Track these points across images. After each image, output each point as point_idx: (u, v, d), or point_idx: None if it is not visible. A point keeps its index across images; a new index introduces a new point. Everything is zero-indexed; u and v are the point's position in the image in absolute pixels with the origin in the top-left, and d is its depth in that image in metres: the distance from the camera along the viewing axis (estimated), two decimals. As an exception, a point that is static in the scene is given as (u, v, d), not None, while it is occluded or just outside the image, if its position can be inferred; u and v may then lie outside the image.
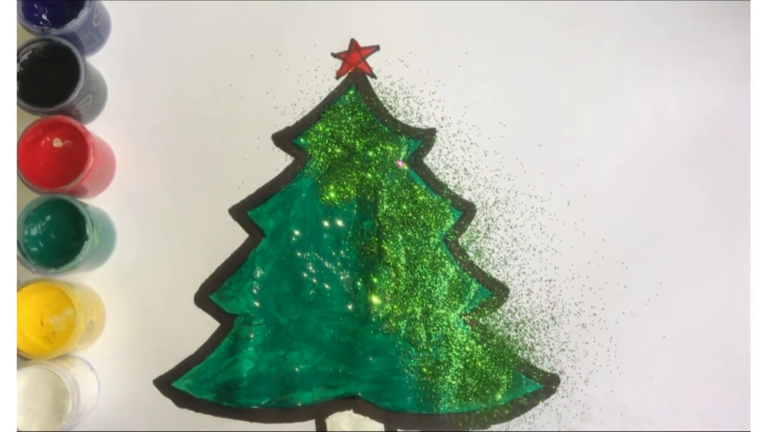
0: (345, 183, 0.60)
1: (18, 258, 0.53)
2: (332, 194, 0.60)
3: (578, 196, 0.61)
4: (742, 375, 0.60)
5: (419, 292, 0.59)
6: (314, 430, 0.58)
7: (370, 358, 0.58)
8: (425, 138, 0.61)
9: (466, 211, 0.61)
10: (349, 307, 0.59)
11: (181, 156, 0.60)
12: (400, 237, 0.60)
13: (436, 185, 0.61)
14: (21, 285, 0.54)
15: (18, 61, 0.54)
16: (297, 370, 0.59)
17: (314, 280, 0.59)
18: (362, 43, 0.62)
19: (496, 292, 0.60)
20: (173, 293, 0.59)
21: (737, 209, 0.62)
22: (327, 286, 0.59)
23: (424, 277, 0.59)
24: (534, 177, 0.61)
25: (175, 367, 0.58)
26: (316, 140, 0.61)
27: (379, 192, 0.60)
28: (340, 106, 0.61)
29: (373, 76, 0.62)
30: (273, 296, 0.59)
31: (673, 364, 0.60)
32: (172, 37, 0.61)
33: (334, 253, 0.60)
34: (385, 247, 0.59)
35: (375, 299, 0.59)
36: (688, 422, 0.60)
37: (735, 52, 0.63)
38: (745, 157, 0.62)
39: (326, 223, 0.60)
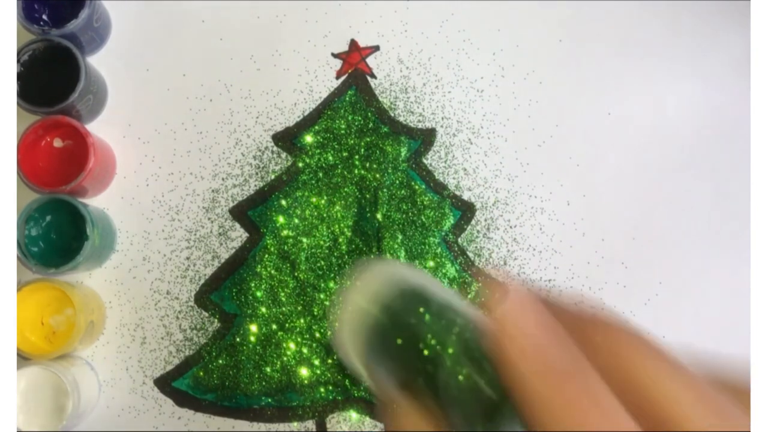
0: (345, 183, 0.60)
1: (18, 258, 0.53)
2: (332, 194, 0.60)
3: (578, 196, 0.61)
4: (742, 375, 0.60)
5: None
6: (314, 430, 0.59)
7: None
8: (425, 138, 0.61)
9: (465, 211, 0.61)
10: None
11: (180, 156, 0.60)
12: (400, 237, 0.60)
13: (436, 185, 0.61)
14: (21, 285, 0.54)
15: (18, 61, 0.54)
16: (297, 369, 0.59)
17: (313, 280, 0.59)
18: (362, 43, 0.62)
19: (496, 292, 0.60)
20: (173, 293, 0.59)
21: (737, 209, 0.62)
22: (326, 286, 0.59)
23: (424, 277, 0.59)
24: (534, 177, 0.61)
25: (175, 367, 0.59)
26: (316, 140, 0.61)
27: (379, 192, 0.60)
28: (340, 106, 0.61)
29: (373, 76, 0.62)
30: (272, 296, 0.59)
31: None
32: (172, 38, 0.61)
33: (333, 253, 0.60)
34: (385, 247, 0.59)
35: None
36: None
37: (735, 52, 0.63)
38: (746, 157, 0.62)
39: (326, 224, 0.60)
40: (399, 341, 0.22)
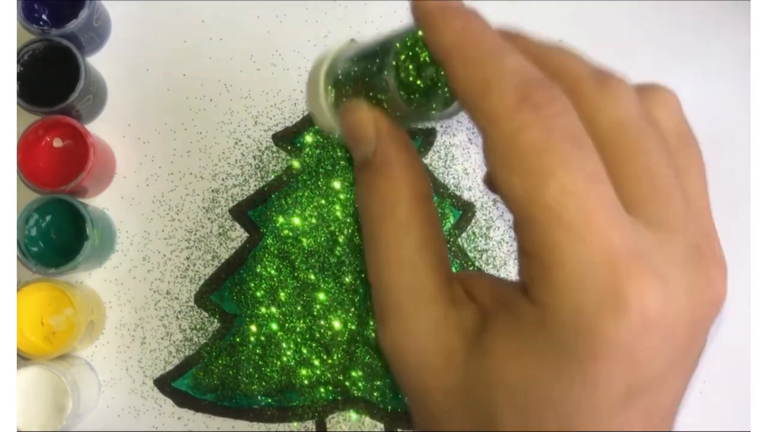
0: (345, 183, 0.60)
1: (18, 258, 0.53)
2: (332, 194, 0.60)
3: (578, 196, 0.61)
4: (742, 375, 0.60)
5: (419, 292, 0.59)
6: (314, 430, 0.59)
7: (370, 358, 0.59)
8: (425, 138, 0.61)
9: (466, 211, 0.61)
10: (349, 306, 0.59)
11: (180, 156, 0.60)
12: (400, 237, 0.59)
13: (436, 185, 0.61)
14: (21, 285, 0.54)
15: (18, 61, 0.54)
16: (297, 370, 0.59)
17: (313, 280, 0.59)
18: (362, 43, 0.62)
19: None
20: (173, 293, 0.59)
21: (737, 209, 0.62)
22: (326, 286, 0.59)
23: (424, 277, 0.59)
24: (534, 177, 0.61)
25: (175, 367, 0.59)
26: (316, 140, 0.61)
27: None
28: (340, 106, 0.61)
29: (373, 76, 0.62)
30: (272, 296, 0.59)
31: (673, 364, 0.60)
32: (172, 38, 0.61)
33: (333, 253, 0.60)
34: (385, 247, 0.59)
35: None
36: (687, 422, 0.60)
37: (735, 52, 0.63)
38: (746, 157, 0.62)
39: (325, 224, 0.60)
40: (354, 68, 0.28)
